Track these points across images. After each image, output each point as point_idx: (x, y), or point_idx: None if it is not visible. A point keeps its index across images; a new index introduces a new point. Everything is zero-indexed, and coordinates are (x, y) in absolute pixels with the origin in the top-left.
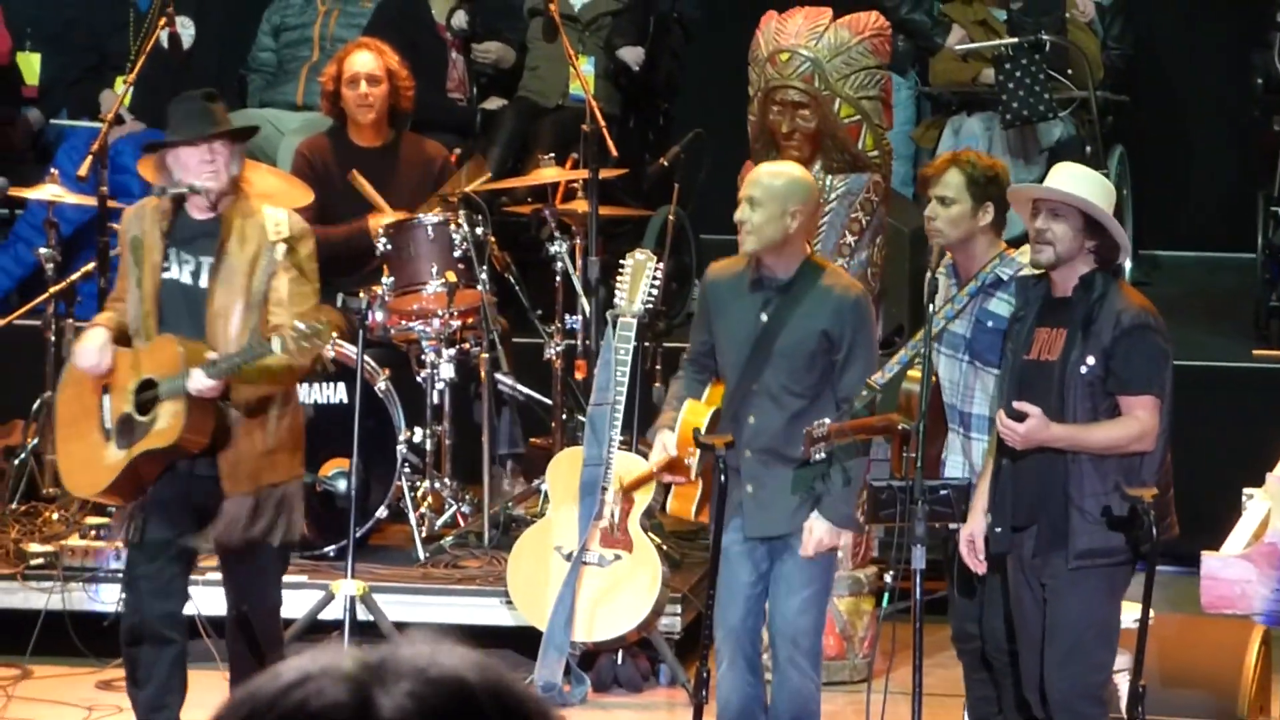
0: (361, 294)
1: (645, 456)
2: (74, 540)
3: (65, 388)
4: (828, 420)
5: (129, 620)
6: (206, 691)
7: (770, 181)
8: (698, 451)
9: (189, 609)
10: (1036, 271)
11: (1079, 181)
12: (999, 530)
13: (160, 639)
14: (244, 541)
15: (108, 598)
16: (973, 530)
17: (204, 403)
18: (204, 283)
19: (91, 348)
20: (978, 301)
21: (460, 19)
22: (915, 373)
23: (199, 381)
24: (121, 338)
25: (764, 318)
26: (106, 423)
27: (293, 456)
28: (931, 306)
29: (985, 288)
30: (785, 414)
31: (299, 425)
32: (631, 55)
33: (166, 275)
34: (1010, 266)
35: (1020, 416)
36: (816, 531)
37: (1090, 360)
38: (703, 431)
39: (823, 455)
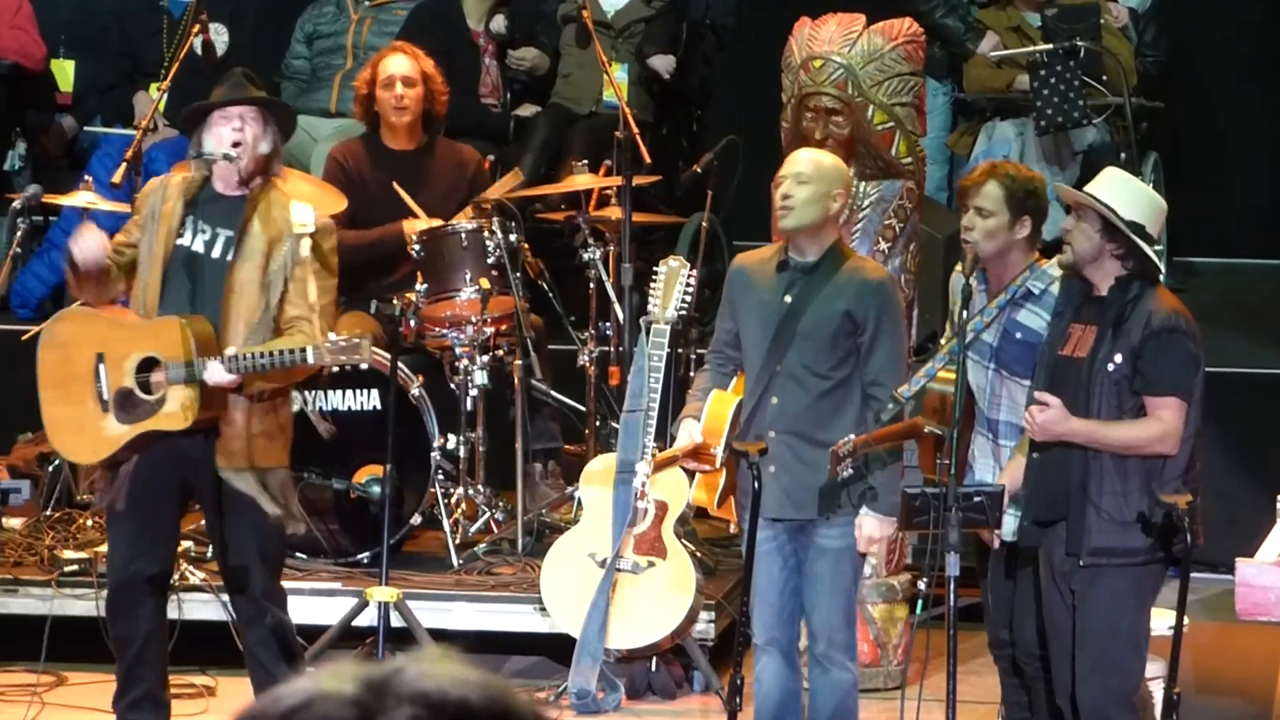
0: (395, 301)
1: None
2: (107, 546)
3: (47, 348)
4: (852, 436)
5: (112, 580)
6: (235, 699)
7: (817, 161)
8: (723, 440)
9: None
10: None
11: (1113, 187)
12: (1026, 524)
13: (136, 603)
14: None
15: None
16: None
17: (218, 390)
18: (216, 254)
19: (95, 244)
20: (1007, 312)
21: (499, 23)
22: (944, 373)
23: (218, 375)
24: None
25: (788, 299)
26: (104, 393)
27: (284, 444)
28: (965, 312)
29: (1015, 299)
30: (809, 395)
31: (289, 414)
32: (662, 64)
33: (180, 242)
34: (1042, 279)
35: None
36: (867, 527)
37: (1118, 358)
38: (729, 420)
39: (849, 472)
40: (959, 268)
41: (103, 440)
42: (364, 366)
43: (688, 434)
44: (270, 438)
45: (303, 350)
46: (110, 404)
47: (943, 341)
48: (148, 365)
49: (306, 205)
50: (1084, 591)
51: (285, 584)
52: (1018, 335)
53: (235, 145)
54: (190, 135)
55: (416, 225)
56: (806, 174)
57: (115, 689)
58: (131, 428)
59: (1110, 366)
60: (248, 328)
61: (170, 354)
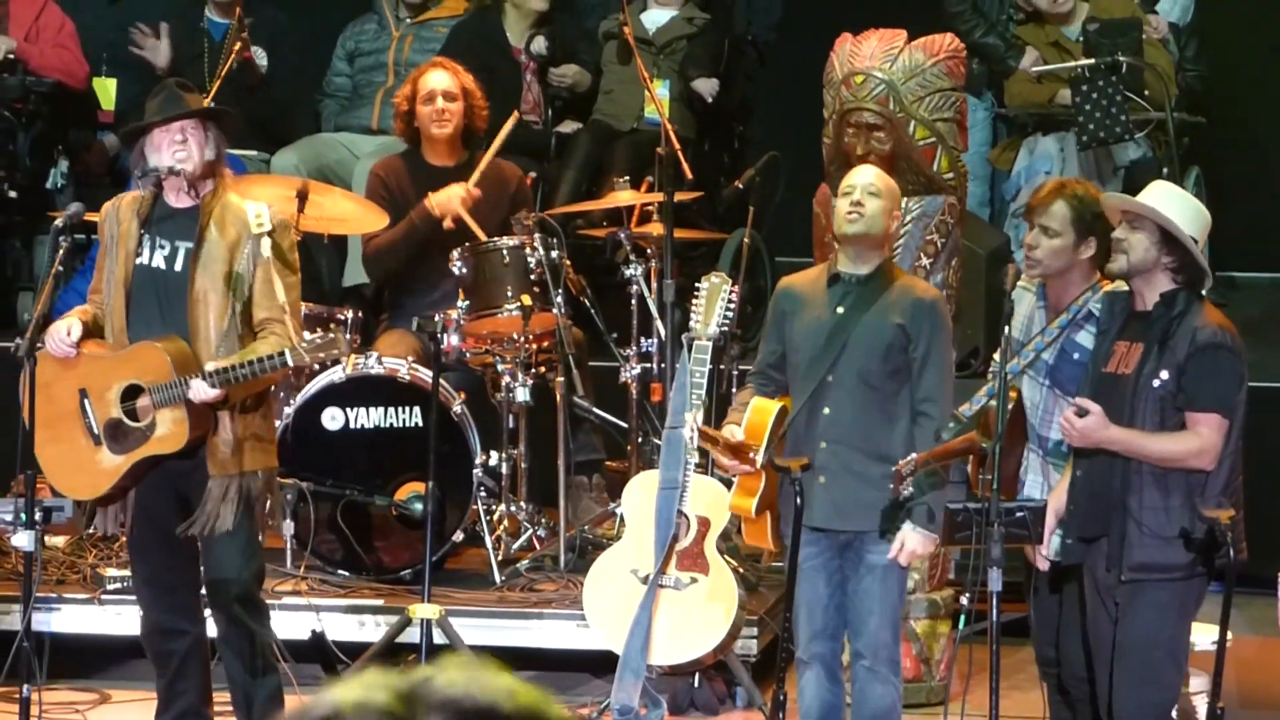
0: (437, 318)
1: (721, 479)
2: (131, 573)
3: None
4: (914, 455)
5: (144, 619)
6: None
7: (886, 177)
8: (764, 441)
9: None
10: (1125, 287)
11: (1167, 199)
12: (1069, 542)
13: (172, 631)
14: (215, 530)
15: None
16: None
17: (203, 406)
18: (179, 267)
19: (63, 337)
20: (1067, 332)
21: (540, 44)
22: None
23: (202, 391)
24: (97, 330)
25: (840, 310)
26: (94, 427)
27: (271, 445)
28: (1007, 328)
29: (1075, 320)
30: (860, 406)
31: (273, 416)
32: (706, 87)
33: (139, 261)
34: (1102, 302)
35: (1084, 414)
36: (910, 543)
37: (1163, 375)
38: (770, 426)
39: (909, 490)
40: (1023, 281)
41: (101, 474)
42: (343, 364)
43: (730, 431)
44: (259, 440)
45: (280, 354)
46: (101, 437)
47: (995, 356)
48: (131, 393)
49: (262, 204)
50: (1126, 605)
51: (328, 600)
52: (1075, 356)
53: (180, 157)
54: (131, 152)
55: (438, 197)
56: (878, 187)
57: (156, 706)
58: (127, 457)
59: (1156, 383)
60: (218, 335)
61: (152, 378)
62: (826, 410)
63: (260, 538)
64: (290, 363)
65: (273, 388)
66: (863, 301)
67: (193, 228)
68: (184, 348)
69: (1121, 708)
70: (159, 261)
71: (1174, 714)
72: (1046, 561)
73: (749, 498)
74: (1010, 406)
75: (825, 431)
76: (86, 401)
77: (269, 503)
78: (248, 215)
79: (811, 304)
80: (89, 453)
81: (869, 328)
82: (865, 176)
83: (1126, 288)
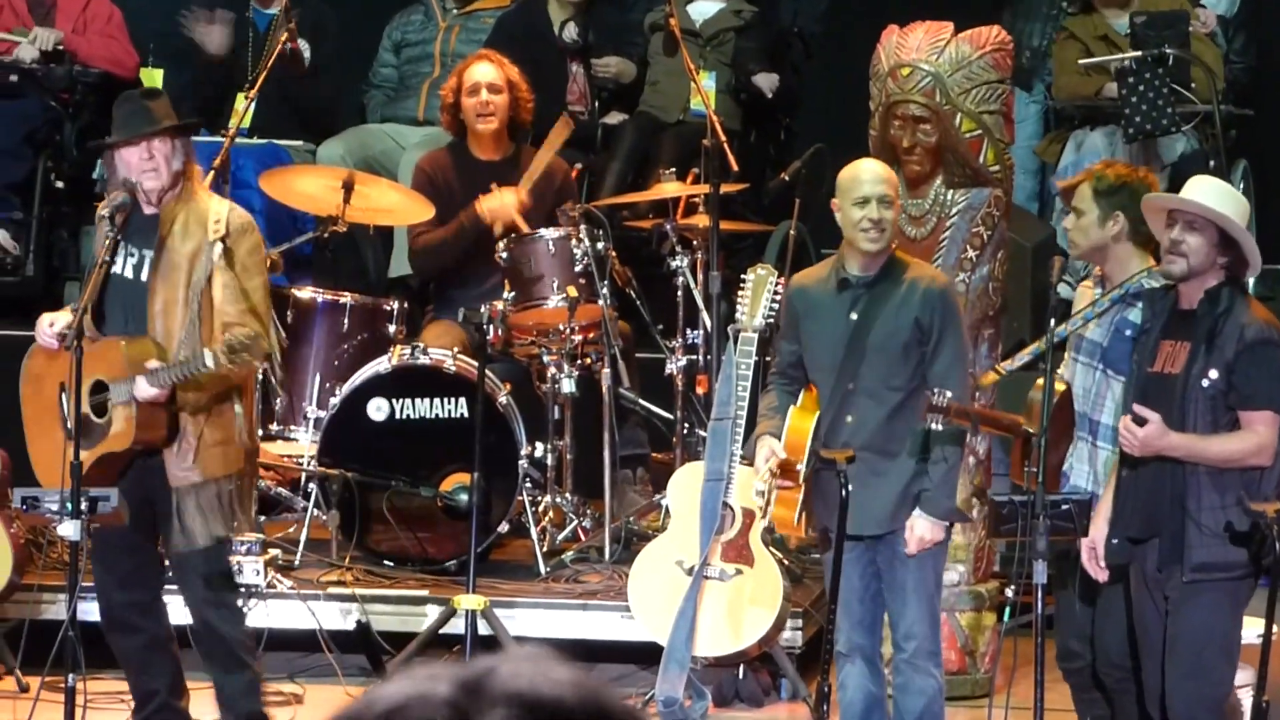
0: (483, 309)
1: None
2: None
3: (25, 384)
4: (950, 393)
5: (102, 615)
6: (329, 709)
7: (889, 176)
8: (806, 456)
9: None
10: (1165, 283)
11: (1219, 195)
12: (1115, 542)
13: (127, 626)
14: (191, 545)
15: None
16: (1094, 538)
17: (152, 405)
18: (144, 276)
19: (45, 329)
20: (1119, 310)
21: (571, 31)
22: (1040, 382)
23: (143, 390)
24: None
25: (854, 316)
26: (68, 422)
27: (237, 450)
28: (1051, 320)
29: (1128, 296)
30: (884, 410)
31: (242, 421)
32: (767, 82)
33: (114, 270)
34: (1158, 279)
35: (1142, 422)
36: (919, 529)
37: (1213, 374)
38: (810, 436)
39: (938, 426)
40: (1088, 283)
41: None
42: (260, 364)
43: (770, 450)
44: (223, 445)
45: (200, 357)
46: (73, 432)
47: (1038, 344)
48: (99, 389)
49: (225, 206)
50: (1181, 601)
51: (374, 591)
52: (1127, 333)
53: (149, 174)
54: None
55: (490, 203)
56: (891, 196)
57: (132, 706)
58: (90, 453)
59: (1205, 382)
60: (177, 342)
61: (112, 375)
62: (850, 419)
63: (230, 538)
64: (210, 365)
65: (236, 397)
66: (875, 303)
67: (154, 236)
68: (147, 346)
69: (1175, 702)
70: (129, 271)
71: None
72: (1104, 572)
73: (790, 510)
74: (1056, 399)
75: (852, 438)
76: (63, 396)
77: (237, 505)
78: (209, 219)
79: (824, 308)
80: (62, 447)
81: (885, 332)
82: (875, 186)
83: (1166, 279)
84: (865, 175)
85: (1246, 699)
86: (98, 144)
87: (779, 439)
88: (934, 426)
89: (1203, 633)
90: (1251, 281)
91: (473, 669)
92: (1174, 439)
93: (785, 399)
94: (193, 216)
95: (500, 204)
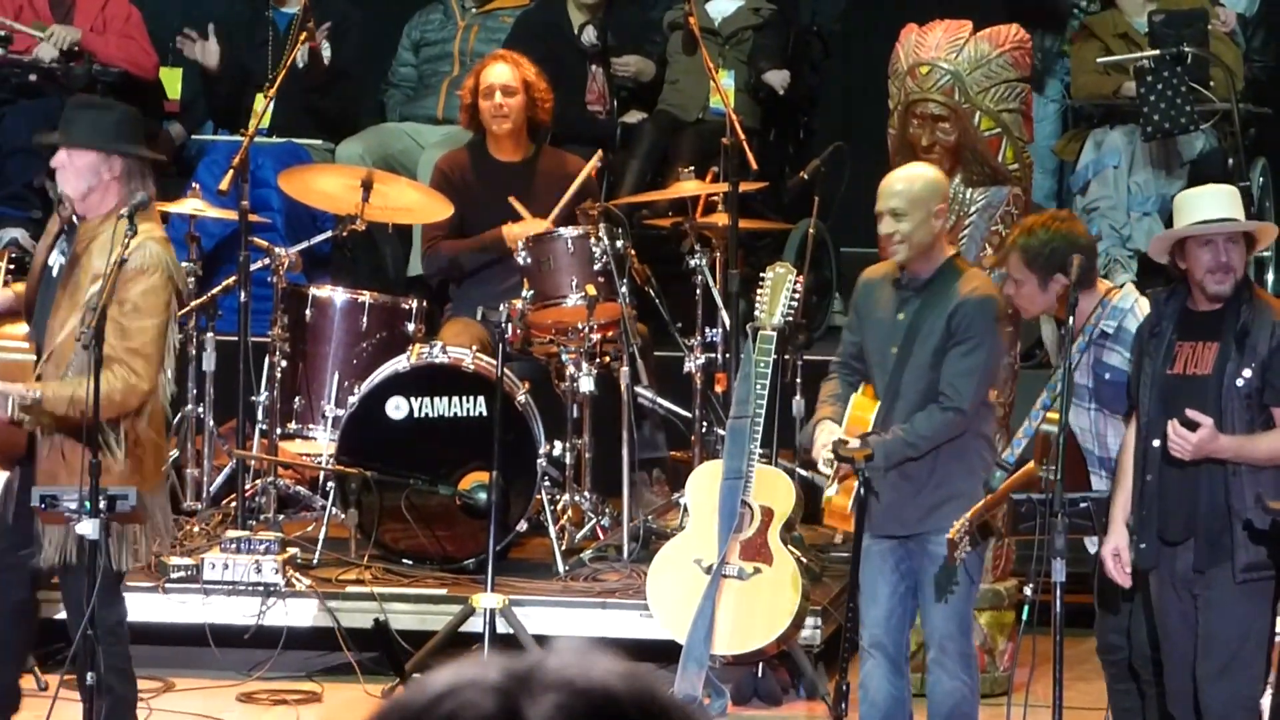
0: (501, 307)
1: (785, 469)
2: (214, 553)
3: None
4: (966, 517)
5: None
6: (347, 707)
7: (909, 188)
8: None
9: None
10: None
11: (1233, 203)
12: (1144, 546)
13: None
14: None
15: (248, 610)
16: (1116, 544)
17: (6, 423)
18: (57, 284)
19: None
20: (1091, 354)
21: (590, 34)
22: (1051, 414)
23: None
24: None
25: (901, 317)
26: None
27: (131, 475)
28: (1071, 320)
29: (1094, 341)
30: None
31: (142, 445)
32: (778, 79)
33: (49, 263)
34: (1114, 316)
35: (1192, 427)
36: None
37: (1246, 373)
38: (871, 424)
39: (968, 552)
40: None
41: None
42: (407, 354)
43: (829, 434)
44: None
45: (36, 394)
46: None
47: (1038, 405)
48: None
49: (144, 244)
50: (1218, 599)
51: (392, 590)
52: (1107, 376)
53: (62, 181)
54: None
55: (515, 230)
56: (902, 208)
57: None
58: None
59: (1240, 382)
60: (61, 358)
61: None
62: (893, 417)
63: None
64: (36, 397)
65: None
66: (923, 308)
67: (73, 242)
68: (17, 360)
69: (1210, 700)
70: (56, 269)
71: None
72: (1129, 578)
73: (848, 498)
74: (1057, 435)
75: None
76: None
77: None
78: (114, 250)
79: (879, 305)
80: None
81: (925, 339)
82: (888, 200)
83: (1216, 301)
84: (881, 188)
85: (1265, 699)
86: (38, 143)
87: (839, 424)
88: (961, 557)
89: (1241, 629)
90: (1271, 279)
91: (523, 658)
92: (1224, 442)
93: (846, 389)
94: (114, 237)
95: (525, 234)
